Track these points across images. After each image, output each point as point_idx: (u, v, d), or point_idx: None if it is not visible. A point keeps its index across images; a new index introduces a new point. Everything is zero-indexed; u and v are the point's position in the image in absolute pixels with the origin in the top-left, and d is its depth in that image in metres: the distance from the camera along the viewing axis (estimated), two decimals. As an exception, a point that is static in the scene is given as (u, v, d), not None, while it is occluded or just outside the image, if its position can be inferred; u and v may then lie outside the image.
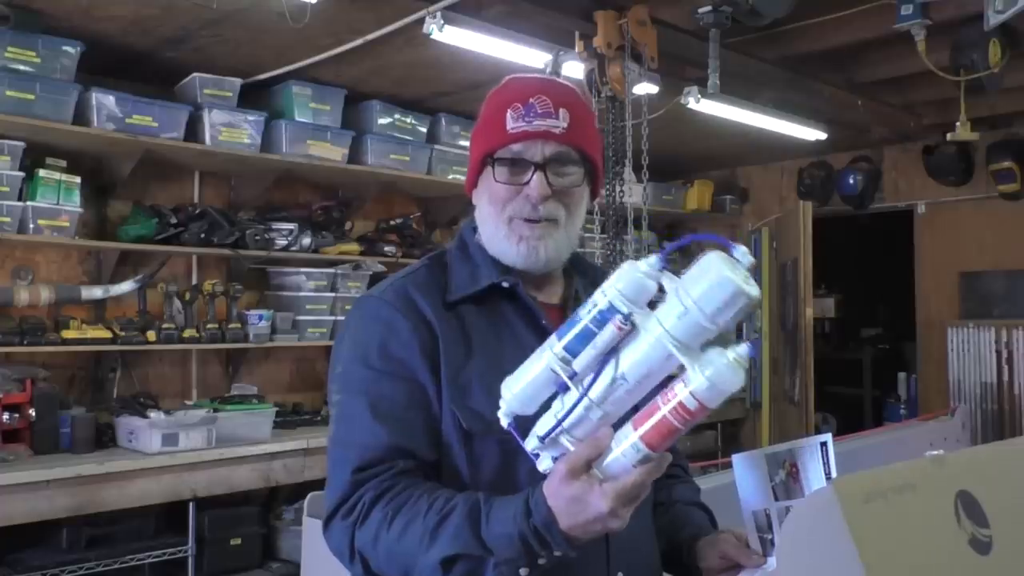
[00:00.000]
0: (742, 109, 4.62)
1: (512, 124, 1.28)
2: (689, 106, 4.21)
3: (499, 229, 1.31)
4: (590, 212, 4.05)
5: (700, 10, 3.16)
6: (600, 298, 1.05)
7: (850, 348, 7.80)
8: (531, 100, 1.29)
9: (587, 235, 5.77)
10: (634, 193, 3.79)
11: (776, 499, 1.21)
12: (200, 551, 3.66)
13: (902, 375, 6.52)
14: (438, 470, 1.23)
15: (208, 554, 3.69)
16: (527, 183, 1.28)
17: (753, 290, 0.99)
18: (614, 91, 3.53)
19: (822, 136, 5.30)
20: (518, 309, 1.32)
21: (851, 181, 6.05)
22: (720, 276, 0.98)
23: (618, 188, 3.67)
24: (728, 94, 4.17)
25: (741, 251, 1.01)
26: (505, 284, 1.31)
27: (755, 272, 1.00)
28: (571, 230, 1.34)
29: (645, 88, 3.65)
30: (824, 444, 1.20)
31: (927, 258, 5.94)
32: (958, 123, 4.12)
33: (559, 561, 1.09)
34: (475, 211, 1.37)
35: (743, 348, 1.00)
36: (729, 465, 1.29)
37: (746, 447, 1.37)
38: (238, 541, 3.80)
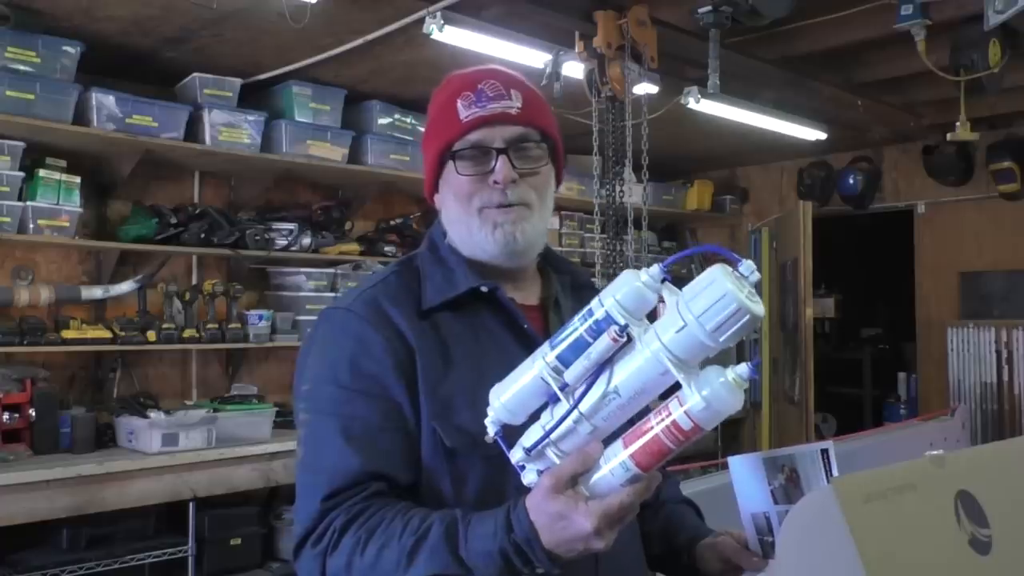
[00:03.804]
0: (742, 109, 4.62)
1: (465, 112, 1.22)
2: (689, 106, 4.20)
3: (471, 222, 1.24)
4: (589, 212, 4.06)
5: (700, 10, 3.15)
6: (597, 307, 1.00)
7: (850, 348, 7.78)
8: (480, 86, 1.24)
9: (587, 235, 5.86)
10: (634, 193, 3.79)
11: (776, 502, 1.20)
12: (200, 551, 3.65)
13: (902, 375, 6.53)
14: (415, 492, 1.16)
15: (208, 554, 3.68)
16: (492, 170, 1.22)
17: (757, 308, 0.94)
18: (614, 91, 3.52)
19: (822, 136, 5.30)
20: (498, 313, 1.25)
21: (851, 181, 6.05)
22: (723, 291, 0.93)
23: (618, 188, 3.67)
24: (728, 94, 4.17)
25: (748, 266, 0.96)
26: (484, 288, 1.24)
27: (759, 287, 0.97)
28: (544, 215, 1.27)
29: (645, 88, 3.65)
30: (825, 451, 1.18)
31: (927, 258, 5.93)
32: (958, 123, 4.12)
33: None
34: (441, 215, 1.31)
35: (743, 368, 0.95)
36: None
37: (746, 447, 1.36)
38: (238, 541, 3.79)
